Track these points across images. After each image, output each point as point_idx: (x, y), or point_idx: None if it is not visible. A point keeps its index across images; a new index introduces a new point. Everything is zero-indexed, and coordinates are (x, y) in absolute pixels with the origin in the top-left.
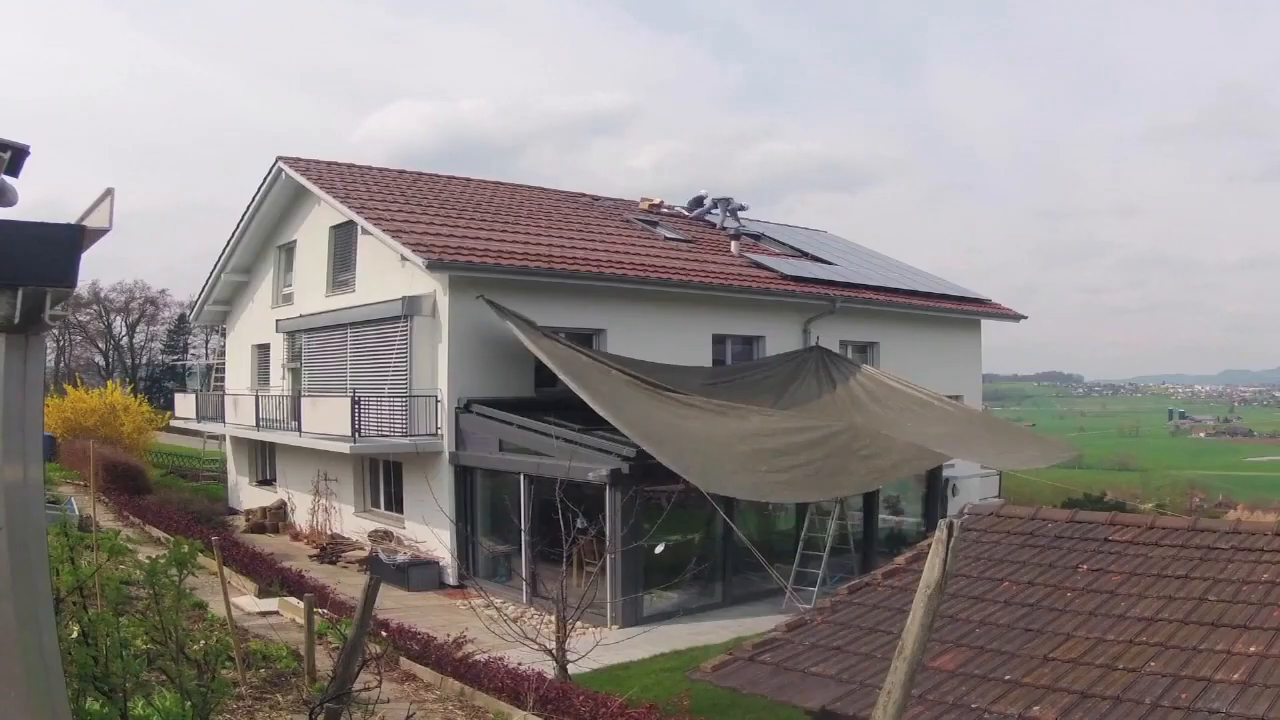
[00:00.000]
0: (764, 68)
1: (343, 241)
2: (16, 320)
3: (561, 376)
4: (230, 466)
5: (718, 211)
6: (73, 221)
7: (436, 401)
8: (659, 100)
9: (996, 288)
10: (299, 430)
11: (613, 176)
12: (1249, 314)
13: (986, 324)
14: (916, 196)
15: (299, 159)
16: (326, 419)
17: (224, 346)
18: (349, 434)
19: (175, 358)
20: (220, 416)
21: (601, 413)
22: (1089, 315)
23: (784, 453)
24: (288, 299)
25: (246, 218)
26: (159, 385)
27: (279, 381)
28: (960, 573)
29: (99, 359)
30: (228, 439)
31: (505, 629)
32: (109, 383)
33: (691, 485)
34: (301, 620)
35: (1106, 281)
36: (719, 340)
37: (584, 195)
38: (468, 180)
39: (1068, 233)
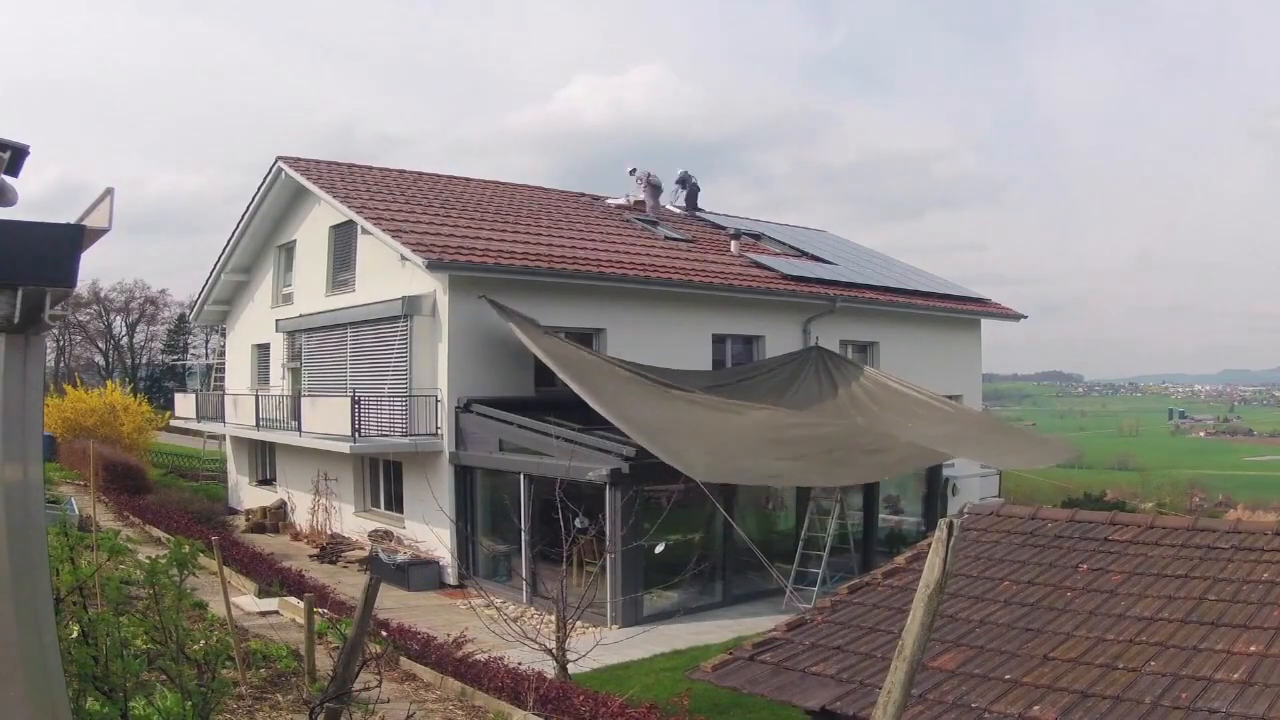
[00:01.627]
0: (853, 37)
1: (343, 241)
2: (16, 320)
3: (561, 375)
4: (230, 466)
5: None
6: (73, 221)
7: (436, 401)
8: (750, 73)
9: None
10: (299, 430)
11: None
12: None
13: (986, 324)
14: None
15: (299, 159)
16: (326, 419)
17: (224, 346)
18: (349, 434)
19: (175, 358)
20: (220, 416)
21: (600, 410)
22: (1139, 316)
23: (788, 443)
24: (288, 299)
25: (246, 217)
26: (159, 385)
27: (279, 381)
28: (960, 572)
29: (99, 359)
30: (228, 439)
31: (505, 629)
32: (109, 383)
33: (692, 483)
34: (301, 620)
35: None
36: (719, 340)
37: (584, 195)
38: (468, 180)
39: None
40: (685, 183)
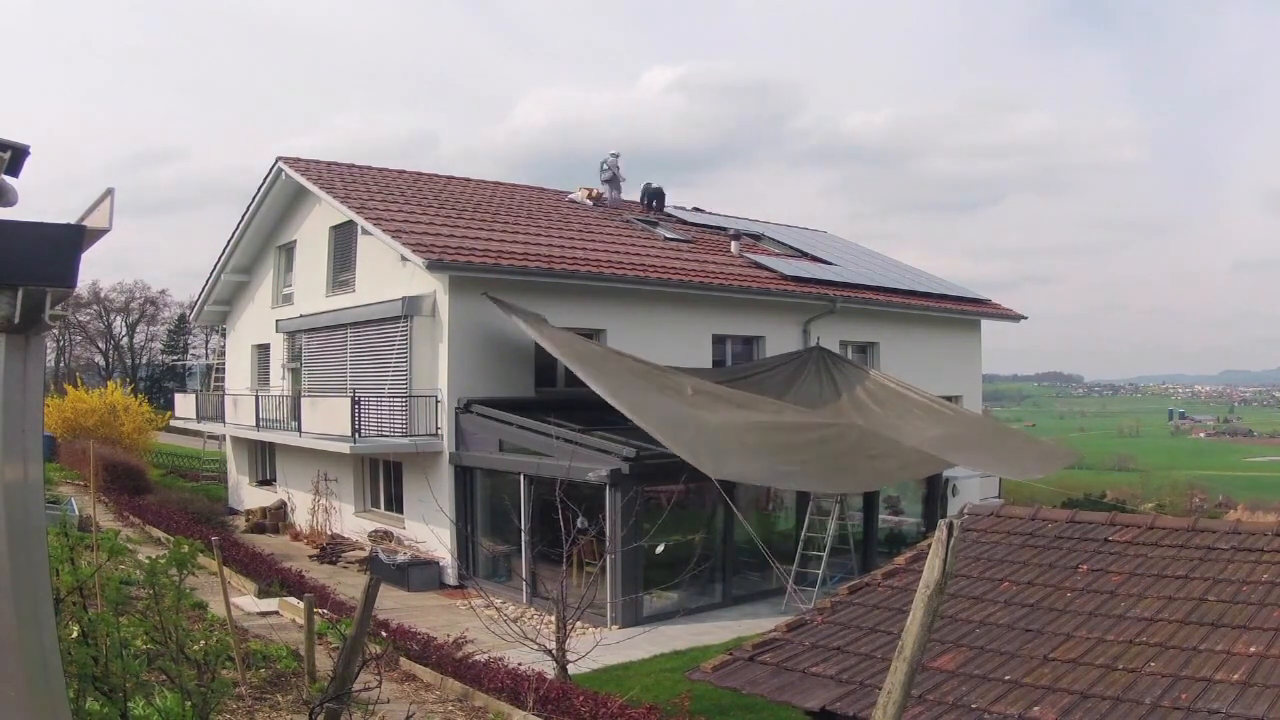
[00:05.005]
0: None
1: (343, 241)
2: (16, 320)
3: (569, 365)
4: (230, 466)
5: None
6: (72, 221)
7: (436, 401)
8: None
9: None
10: (299, 430)
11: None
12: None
13: (986, 324)
14: None
15: (298, 159)
16: (326, 419)
17: (224, 346)
18: (349, 434)
19: (175, 358)
20: (220, 416)
21: (611, 400)
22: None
23: (793, 446)
24: (288, 299)
25: (246, 218)
26: (159, 385)
27: (279, 381)
28: (960, 573)
29: (99, 359)
30: (228, 439)
31: (505, 629)
32: (109, 383)
33: (691, 485)
34: (301, 620)
35: None
36: (719, 340)
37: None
38: (467, 180)
39: None
40: (654, 195)
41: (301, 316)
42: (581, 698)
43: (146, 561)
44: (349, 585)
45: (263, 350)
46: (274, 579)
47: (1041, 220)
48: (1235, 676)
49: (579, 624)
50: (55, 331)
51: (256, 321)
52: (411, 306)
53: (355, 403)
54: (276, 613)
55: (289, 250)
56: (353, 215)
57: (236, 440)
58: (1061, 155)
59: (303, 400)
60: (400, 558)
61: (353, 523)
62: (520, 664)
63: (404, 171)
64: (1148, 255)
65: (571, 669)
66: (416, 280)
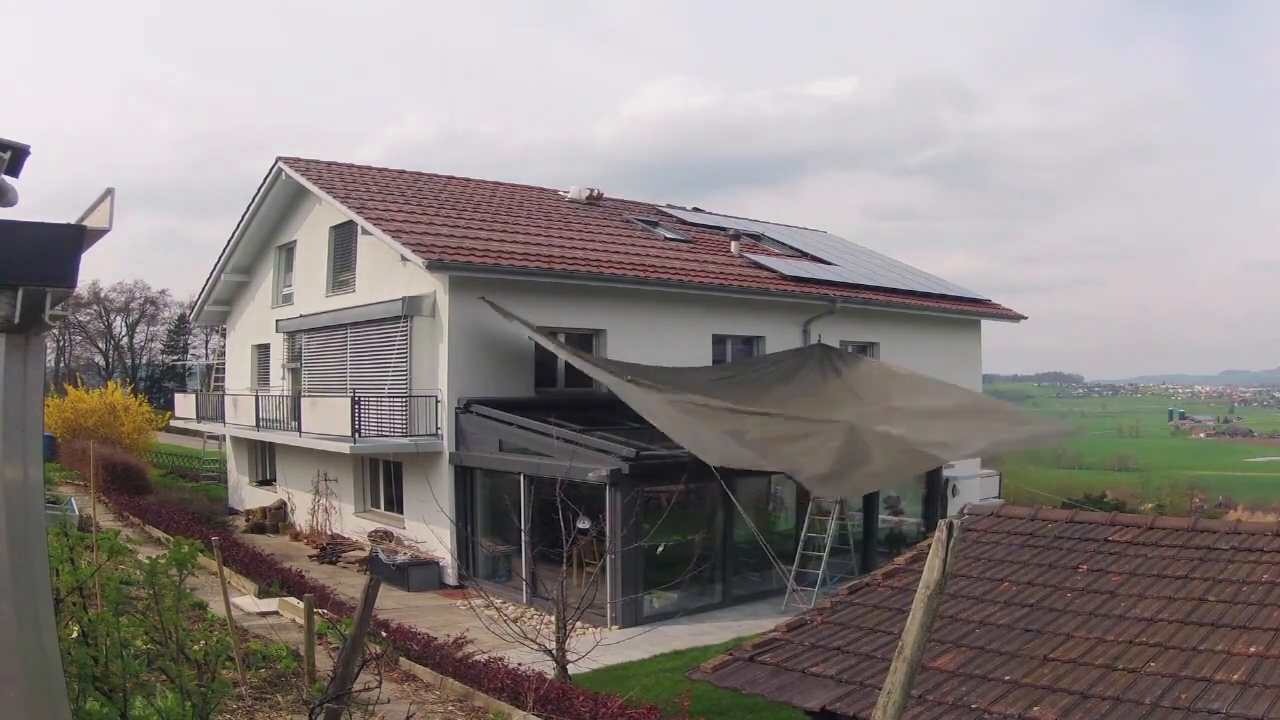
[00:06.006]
0: None
1: (343, 241)
2: (16, 320)
3: (578, 365)
4: (230, 466)
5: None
6: (73, 221)
7: (436, 401)
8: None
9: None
10: (299, 430)
11: None
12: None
13: (987, 324)
14: None
15: (298, 159)
16: (326, 419)
17: (224, 346)
18: (349, 434)
19: (175, 358)
20: (220, 416)
21: (621, 395)
22: None
23: (792, 439)
24: (288, 299)
25: (246, 218)
26: (159, 385)
27: (279, 381)
28: (960, 573)
29: (99, 359)
30: (228, 439)
31: (505, 629)
32: (109, 383)
33: (691, 485)
34: (301, 620)
35: None
36: (719, 340)
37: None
38: (467, 180)
39: None
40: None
41: (301, 316)
42: (581, 698)
43: (146, 561)
44: (349, 585)
45: (263, 350)
46: (274, 579)
47: (1094, 226)
48: (1235, 676)
49: (579, 624)
50: (55, 331)
51: (256, 321)
52: (411, 306)
53: (355, 403)
54: (276, 613)
55: (289, 250)
56: (353, 215)
57: (236, 440)
58: (1119, 163)
59: (303, 400)
60: (400, 558)
61: (353, 523)
62: (520, 664)
63: (404, 171)
64: (1186, 260)
65: (571, 669)
66: (416, 280)
